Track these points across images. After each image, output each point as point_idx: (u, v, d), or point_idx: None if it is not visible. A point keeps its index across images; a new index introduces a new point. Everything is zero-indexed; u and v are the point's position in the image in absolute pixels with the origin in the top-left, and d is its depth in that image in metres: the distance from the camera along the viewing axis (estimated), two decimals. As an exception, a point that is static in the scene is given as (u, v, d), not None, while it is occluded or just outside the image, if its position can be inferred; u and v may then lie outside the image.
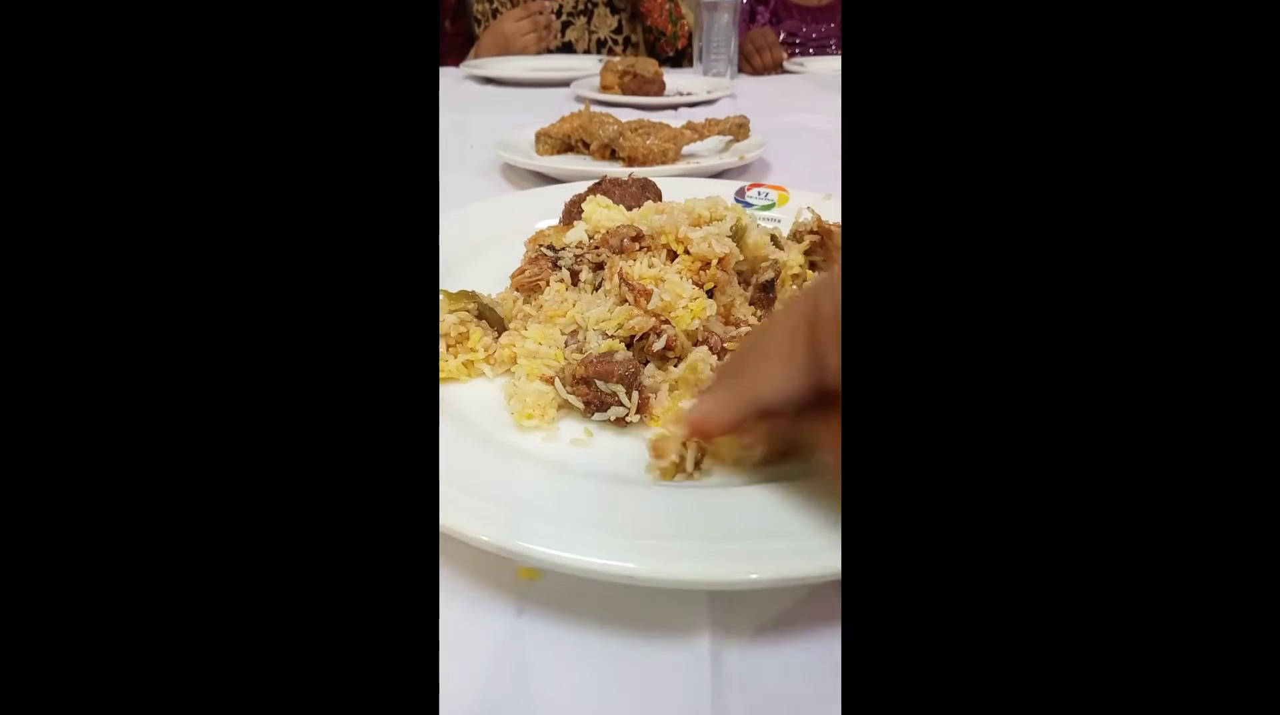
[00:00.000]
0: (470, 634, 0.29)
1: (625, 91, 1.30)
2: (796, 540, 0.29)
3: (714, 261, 0.46)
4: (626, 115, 0.97)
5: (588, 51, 1.85)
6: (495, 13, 1.81)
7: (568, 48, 1.85)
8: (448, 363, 0.42)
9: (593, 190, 0.61)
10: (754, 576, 0.28)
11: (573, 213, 0.60)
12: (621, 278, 0.44)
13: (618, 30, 1.86)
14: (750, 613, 0.30)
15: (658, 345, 0.41)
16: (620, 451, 0.37)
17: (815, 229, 0.55)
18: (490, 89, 1.46)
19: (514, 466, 0.35)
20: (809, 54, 1.91)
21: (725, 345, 0.43)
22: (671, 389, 0.40)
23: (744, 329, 0.49)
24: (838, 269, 0.28)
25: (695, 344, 0.43)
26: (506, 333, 0.44)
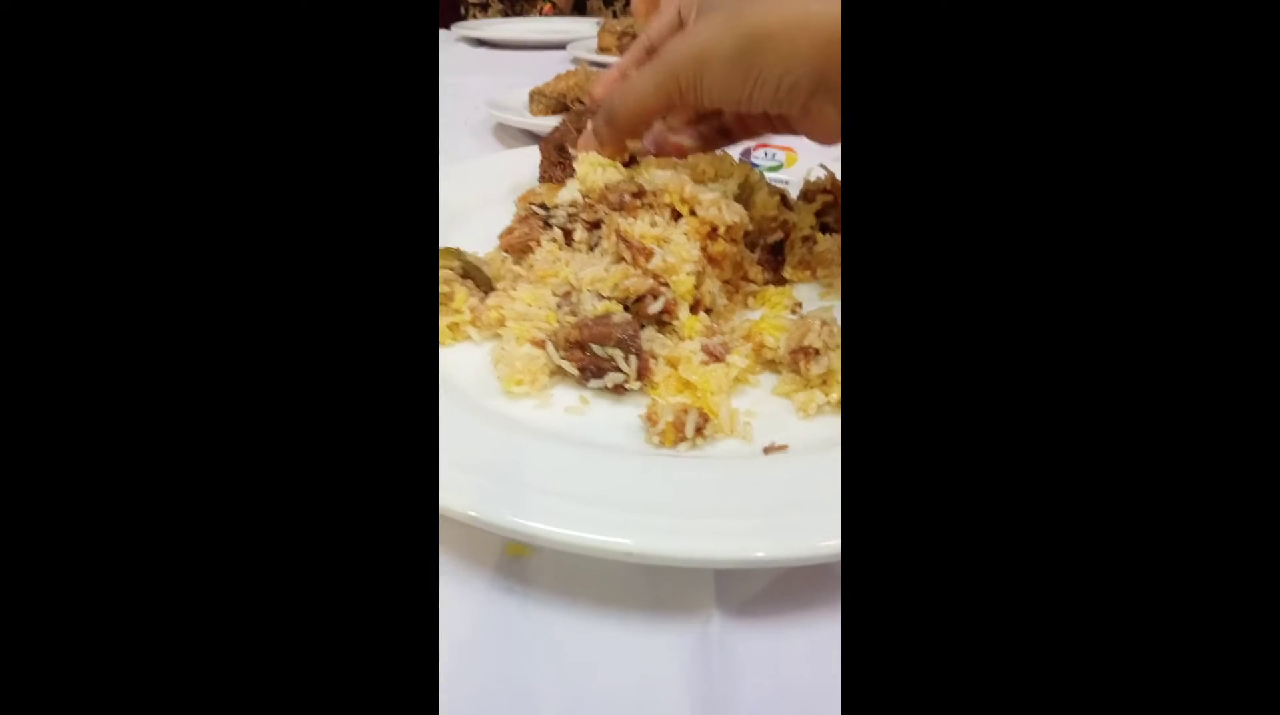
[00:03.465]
0: (453, 612, 0.26)
1: (623, 52, 1.25)
2: (805, 516, 0.26)
3: (722, 228, 0.42)
4: (625, 76, 0.92)
5: (600, 8, 1.79)
6: None
7: (579, 7, 1.79)
8: (432, 325, 0.39)
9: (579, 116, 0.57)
10: (760, 555, 0.25)
11: (554, 155, 0.56)
12: (619, 235, 0.41)
13: None
14: (758, 591, 0.27)
15: (654, 308, 0.38)
16: (618, 420, 0.34)
17: (828, 188, 0.52)
18: (483, 51, 1.41)
19: (502, 436, 0.32)
20: None
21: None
22: (670, 361, 0.37)
23: (746, 315, 0.46)
24: None
25: (693, 310, 0.40)
26: (494, 294, 0.41)
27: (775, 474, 0.30)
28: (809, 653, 0.25)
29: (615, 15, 1.74)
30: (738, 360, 0.36)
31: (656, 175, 0.46)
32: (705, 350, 0.36)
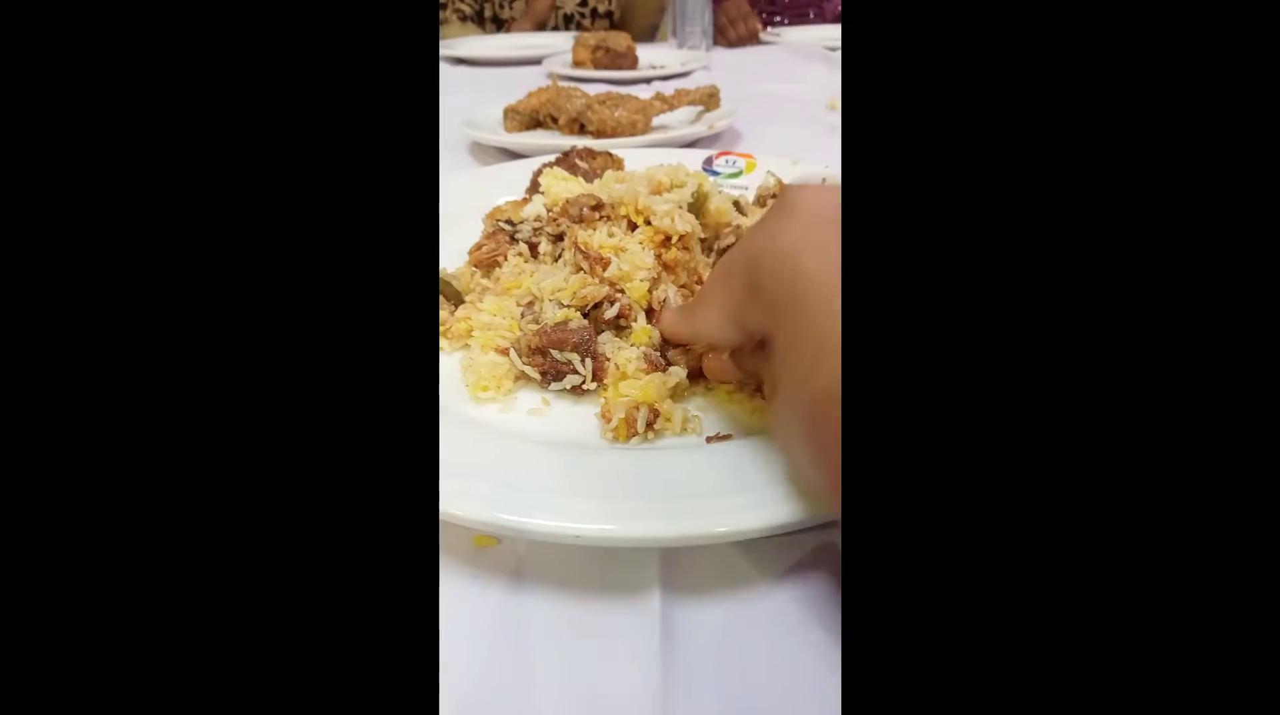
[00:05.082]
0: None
1: (598, 66, 1.28)
2: (747, 496, 0.29)
3: (675, 237, 0.45)
4: (597, 90, 0.95)
5: (556, 28, 1.83)
6: None
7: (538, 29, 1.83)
8: (404, 338, 0.42)
9: (563, 158, 0.60)
10: (707, 531, 0.28)
11: (539, 184, 0.59)
12: (578, 246, 0.44)
13: (582, 2, 1.83)
14: (701, 572, 0.30)
15: (610, 313, 0.41)
16: (577, 419, 0.37)
17: (776, 193, 0.55)
18: (462, 69, 1.44)
19: (471, 439, 0.35)
20: (783, 23, 1.88)
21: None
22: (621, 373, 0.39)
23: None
24: (767, 217, 0.29)
25: (648, 314, 0.43)
26: (463, 306, 0.44)
27: (716, 461, 0.32)
28: (747, 625, 0.28)
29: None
30: (678, 371, 0.37)
31: (615, 188, 0.49)
32: (645, 359, 0.38)
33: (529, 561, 0.31)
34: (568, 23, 1.83)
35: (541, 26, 1.75)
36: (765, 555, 0.30)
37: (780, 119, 0.98)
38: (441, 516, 0.29)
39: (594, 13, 1.83)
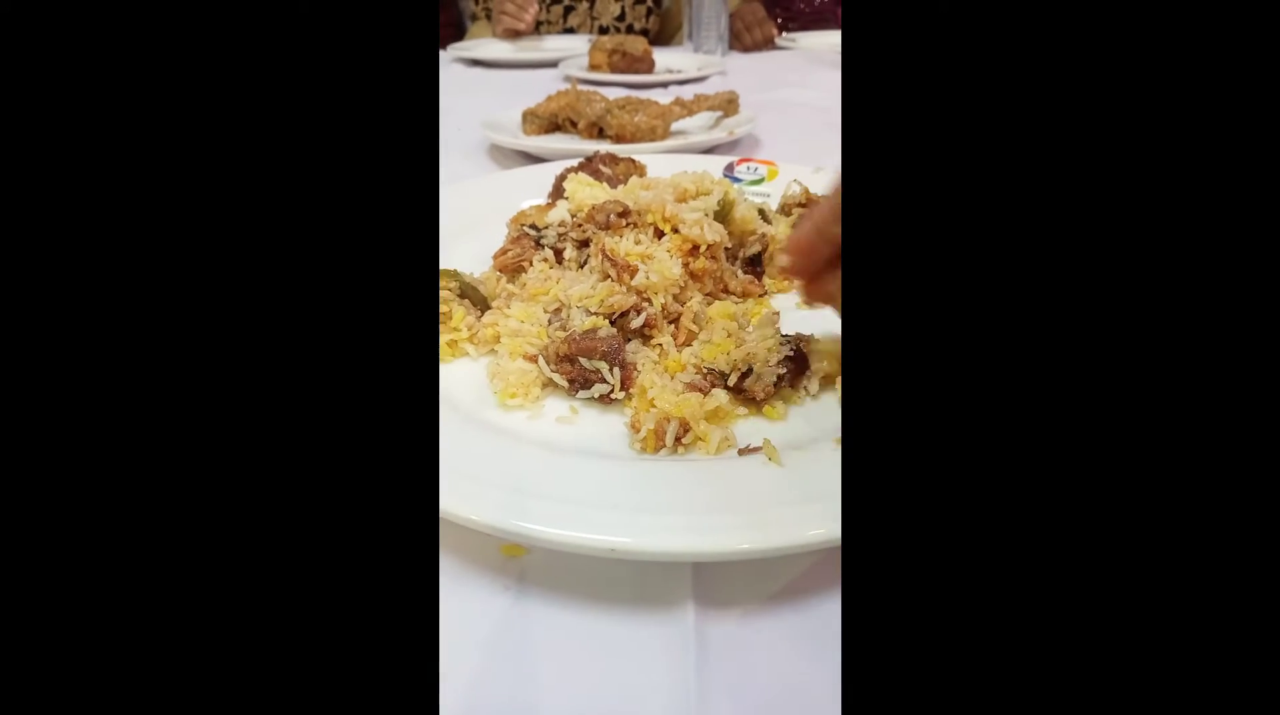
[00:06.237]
0: (453, 609, 0.29)
1: (614, 70, 1.28)
2: (780, 510, 0.29)
3: (703, 246, 0.45)
4: (615, 94, 0.95)
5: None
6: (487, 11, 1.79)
7: (569, 34, 1.82)
8: (431, 343, 0.42)
9: (585, 163, 0.60)
10: (739, 547, 0.27)
11: (562, 189, 0.59)
12: (605, 253, 0.43)
13: (620, 17, 1.82)
14: (733, 584, 0.30)
15: (636, 322, 0.40)
16: (605, 428, 0.37)
17: (804, 202, 0.55)
18: (478, 71, 1.44)
19: (500, 445, 0.34)
20: (794, 29, 1.87)
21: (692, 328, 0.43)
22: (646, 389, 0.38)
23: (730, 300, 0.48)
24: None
25: (669, 322, 0.42)
26: (489, 312, 0.44)
27: (748, 474, 0.32)
28: (781, 639, 0.28)
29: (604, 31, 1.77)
30: (720, 394, 0.36)
31: (641, 195, 0.49)
32: (691, 386, 0.37)
33: (557, 570, 0.31)
34: (602, 34, 1.82)
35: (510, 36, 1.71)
36: (804, 567, 0.30)
37: (797, 125, 0.97)
38: (473, 526, 0.29)
39: (629, 29, 1.82)
